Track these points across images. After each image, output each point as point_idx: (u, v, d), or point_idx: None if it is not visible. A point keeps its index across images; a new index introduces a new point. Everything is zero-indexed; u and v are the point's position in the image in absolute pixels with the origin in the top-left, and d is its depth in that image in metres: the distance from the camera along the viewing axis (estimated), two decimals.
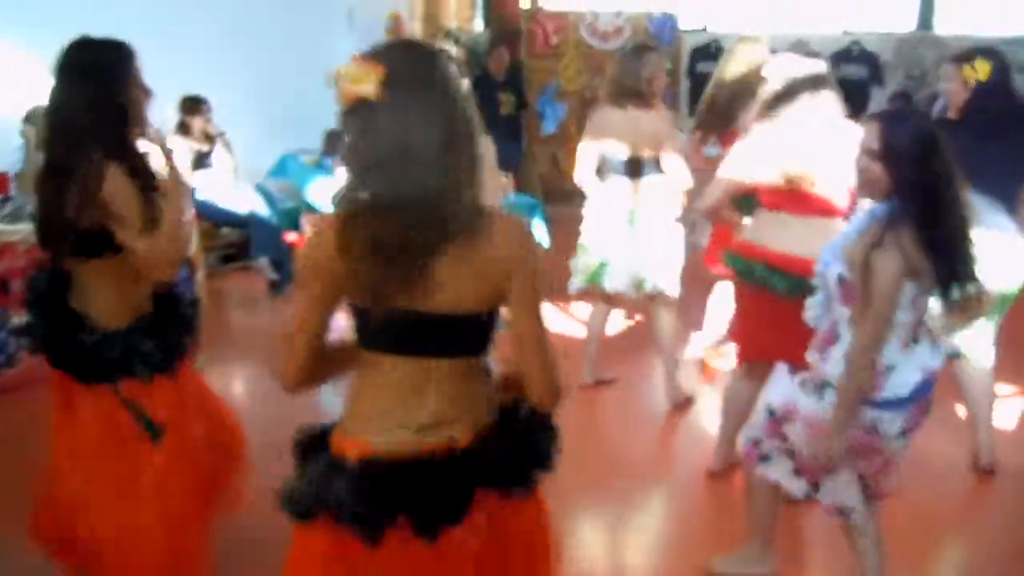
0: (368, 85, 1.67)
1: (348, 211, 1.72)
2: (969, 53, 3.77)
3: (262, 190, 6.78)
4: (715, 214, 3.99)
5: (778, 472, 2.96)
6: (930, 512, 3.72)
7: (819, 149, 3.39)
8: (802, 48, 9.28)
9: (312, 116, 7.87)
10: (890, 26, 9.67)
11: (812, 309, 2.82)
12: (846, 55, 9.34)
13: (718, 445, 4.01)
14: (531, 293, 1.78)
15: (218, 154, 6.76)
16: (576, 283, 4.81)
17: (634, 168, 4.53)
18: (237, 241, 6.86)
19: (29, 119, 5.92)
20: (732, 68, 4.76)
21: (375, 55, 1.71)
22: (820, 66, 3.54)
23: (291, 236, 6.98)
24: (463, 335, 1.81)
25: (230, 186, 6.66)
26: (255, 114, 7.27)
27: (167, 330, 2.72)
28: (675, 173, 4.43)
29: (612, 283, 4.65)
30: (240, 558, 3.16)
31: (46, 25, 6.61)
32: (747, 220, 3.78)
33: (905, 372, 2.66)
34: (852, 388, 2.62)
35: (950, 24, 9.51)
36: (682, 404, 4.73)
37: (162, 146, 2.66)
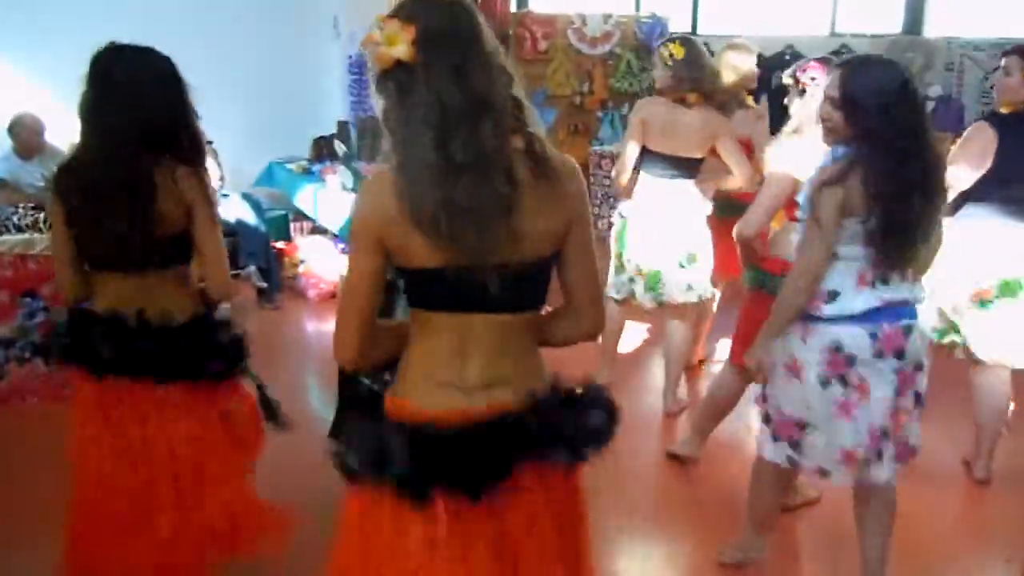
0: (402, 46, 1.63)
1: (404, 175, 1.67)
2: None
3: (249, 198, 6.73)
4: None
5: (761, 439, 2.99)
6: (930, 507, 3.72)
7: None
8: (790, 51, 9.33)
9: (299, 123, 7.85)
10: (878, 29, 9.66)
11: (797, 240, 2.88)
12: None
13: (690, 432, 4.04)
14: (588, 227, 1.84)
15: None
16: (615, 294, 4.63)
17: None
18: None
19: (12, 128, 5.88)
20: (725, 75, 4.65)
21: (403, 13, 1.67)
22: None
23: (279, 244, 6.95)
24: (534, 283, 1.82)
25: (217, 194, 6.62)
26: (242, 122, 7.23)
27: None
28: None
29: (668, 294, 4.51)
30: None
31: (26, 35, 6.60)
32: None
33: (857, 299, 2.71)
34: (786, 305, 2.76)
35: (939, 26, 9.50)
36: (675, 413, 4.69)
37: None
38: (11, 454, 4.06)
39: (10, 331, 4.66)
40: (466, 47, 1.67)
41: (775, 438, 2.92)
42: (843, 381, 2.75)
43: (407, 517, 1.78)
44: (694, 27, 10.74)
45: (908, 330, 2.76)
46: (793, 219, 3.37)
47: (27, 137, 5.87)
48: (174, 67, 2.54)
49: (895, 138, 2.59)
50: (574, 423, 1.84)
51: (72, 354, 2.62)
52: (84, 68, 2.47)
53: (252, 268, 6.42)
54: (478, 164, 1.64)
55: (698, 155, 4.34)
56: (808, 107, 3.32)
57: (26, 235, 4.72)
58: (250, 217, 6.49)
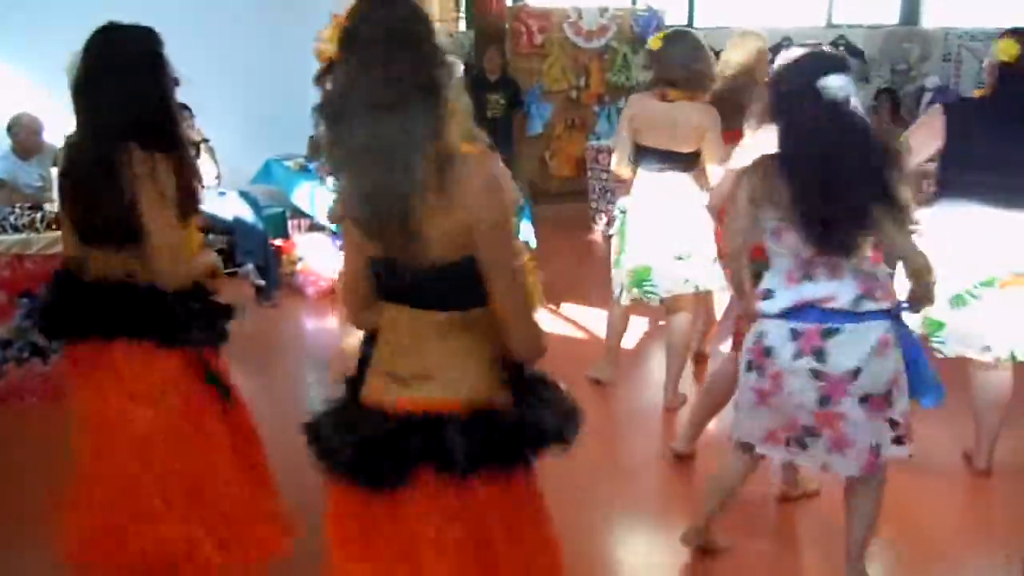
0: (333, 44, 1.72)
1: (330, 166, 1.78)
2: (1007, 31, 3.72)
3: (247, 196, 6.72)
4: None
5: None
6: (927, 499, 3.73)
7: None
8: (787, 43, 9.33)
9: (296, 121, 7.74)
10: (876, 20, 9.66)
11: None
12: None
13: (687, 426, 4.03)
14: (500, 236, 1.75)
15: (202, 161, 6.70)
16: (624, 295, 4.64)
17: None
18: (222, 247, 6.81)
19: (11, 128, 5.88)
20: (735, 57, 4.44)
21: (346, 14, 1.75)
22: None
23: (277, 241, 6.94)
24: (447, 286, 1.79)
25: (215, 192, 6.61)
26: (239, 119, 7.22)
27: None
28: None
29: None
30: None
31: (26, 35, 6.60)
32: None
33: (783, 297, 2.78)
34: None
35: (936, 17, 9.50)
36: (675, 408, 4.69)
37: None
38: (10, 453, 4.06)
39: (8, 332, 4.65)
40: (383, 46, 1.69)
41: (779, 446, 2.97)
42: (760, 370, 2.83)
43: (344, 500, 1.87)
44: (690, 20, 10.75)
45: (828, 333, 2.74)
46: None
47: (25, 137, 5.87)
48: (154, 47, 2.53)
49: (807, 132, 2.63)
50: (502, 430, 1.81)
51: (55, 320, 2.67)
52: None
53: (250, 266, 6.41)
54: (378, 160, 1.68)
55: (687, 149, 4.32)
56: None
57: (23, 235, 4.71)
58: (248, 215, 6.49)
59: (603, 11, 9.87)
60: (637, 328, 5.66)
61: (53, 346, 4.49)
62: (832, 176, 2.62)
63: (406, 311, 1.83)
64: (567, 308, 6.14)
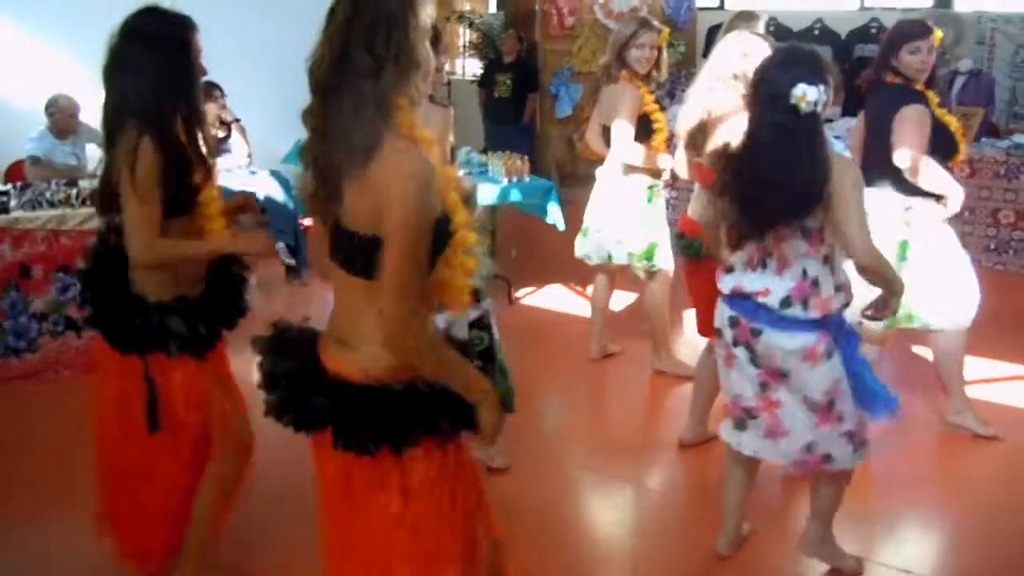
0: None
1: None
2: None
3: (278, 176, 6.78)
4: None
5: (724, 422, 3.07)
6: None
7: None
8: (819, 26, 9.24)
9: None
10: (908, 3, 9.55)
11: None
12: (863, 33, 9.24)
13: (689, 417, 4.09)
14: (398, 225, 1.79)
15: (234, 140, 6.77)
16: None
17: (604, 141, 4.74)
18: (253, 227, 6.88)
19: (48, 109, 5.97)
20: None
21: None
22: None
23: (307, 221, 7.00)
24: (362, 255, 1.87)
25: (246, 172, 6.67)
26: (271, 99, 7.24)
27: (210, 311, 2.74)
28: (617, 143, 4.58)
29: (580, 251, 4.96)
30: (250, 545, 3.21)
31: (65, 16, 6.67)
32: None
33: (730, 279, 2.88)
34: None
35: (969, 1, 9.38)
36: (661, 375, 4.88)
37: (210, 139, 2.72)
38: (46, 426, 4.15)
39: (44, 305, 4.75)
40: (344, 28, 1.84)
41: (729, 419, 3.04)
42: (721, 339, 2.97)
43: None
44: (722, 2, 10.67)
45: (755, 332, 2.80)
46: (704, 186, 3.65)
47: (61, 119, 5.97)
48: (181, 34, 2.57)
49: (767, 138, 2.68)
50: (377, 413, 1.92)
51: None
52: None
53: (281, 245, 6.44)
54: (328, 129, 1.86)
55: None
56: None
57: (59, 211, 4.80)
58: (279, 194, 6.55)
59: None
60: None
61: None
62: (752, 194, 2.71)
63: (341, 275, 1.95)
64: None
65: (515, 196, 5.99)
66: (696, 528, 3.43)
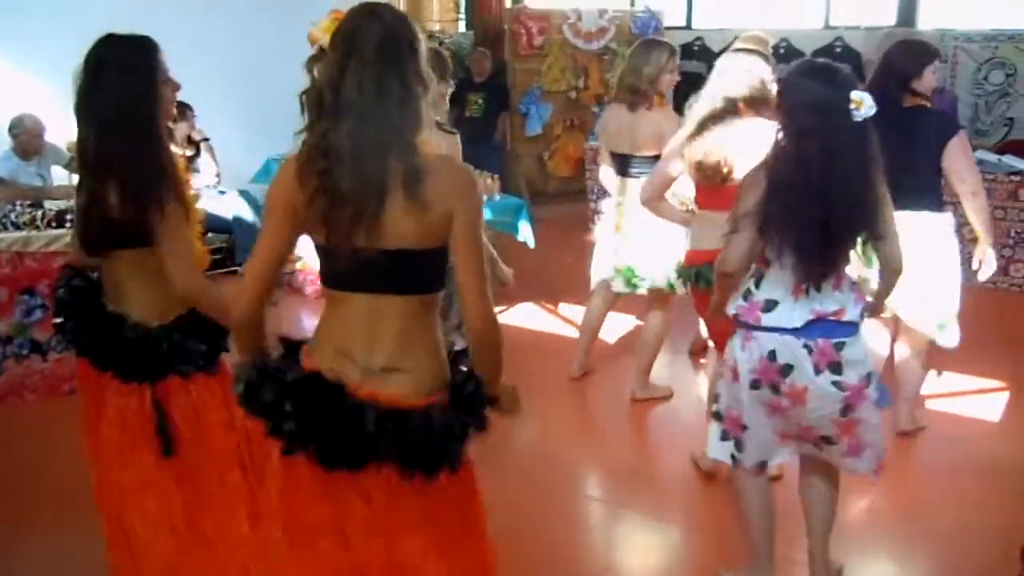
0: (327, 36, 1.86)
1: (305, 151, 1.87)
2: None
3: (246, 195, 6.75)
4: (656, 207, 3.96)
5: (710, 439, 2.97)
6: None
7: (733, 139, 3.39)
8: (784, 45, 9.34)
9: (296, 119, 7.79)
10: (872, 21, 9.68)
11: None
12: (828, 52, 9.33)
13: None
14: (472, 229, 1.88)
15: (203, 160, 6.73)
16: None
17: (623, 166, 4.57)
18: (222, 247, 6.84)
19: (12, 129, 5.90)
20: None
21: (346, 12, 1.90)
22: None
23: None
24: (413, 271, 1.90)
25: (214, 191, 6.64)
26: (239, 118, 7.24)
27: (209, 326, 2.70)
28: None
29: (596, 276, 4.83)
30: None
31: (30, 37, 6.62)
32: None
33: (794, 311, 2.69)
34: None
35: (933, 18, 9.52)
36: (640, 402, 4.76)
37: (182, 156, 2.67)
38: (10, 451, 4.08)
39: (8, 328, 4.68)
40: (373, 51, 1.82)
41: (723, 436, 2.93)
42: (774, 388, 2.72)
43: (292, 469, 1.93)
44: (688, 22, 10.77)
45: (839, 347, 2.70)
46: (701, 206, 3.66)
47: (26, 139, 5.91)
48: (141, 62, 2.52)
49: (793, 156, 2.60)
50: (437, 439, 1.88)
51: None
52: None
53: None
54: (354, 153, 1.81)
55: (639, 154, 4.48)
56: None
57: (24, 232, 4.73)
58: (247, 214, 6.52)
59: (602, 13, 9.90)
60: (627, 327, 5.69)
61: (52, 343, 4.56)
62: (830, 216, 2.58)
63: (361, 297, 1.90)
64: (564, 308, 6.16)
65: (486, 215, 5.98)
66: (690, 551, 3.43)
